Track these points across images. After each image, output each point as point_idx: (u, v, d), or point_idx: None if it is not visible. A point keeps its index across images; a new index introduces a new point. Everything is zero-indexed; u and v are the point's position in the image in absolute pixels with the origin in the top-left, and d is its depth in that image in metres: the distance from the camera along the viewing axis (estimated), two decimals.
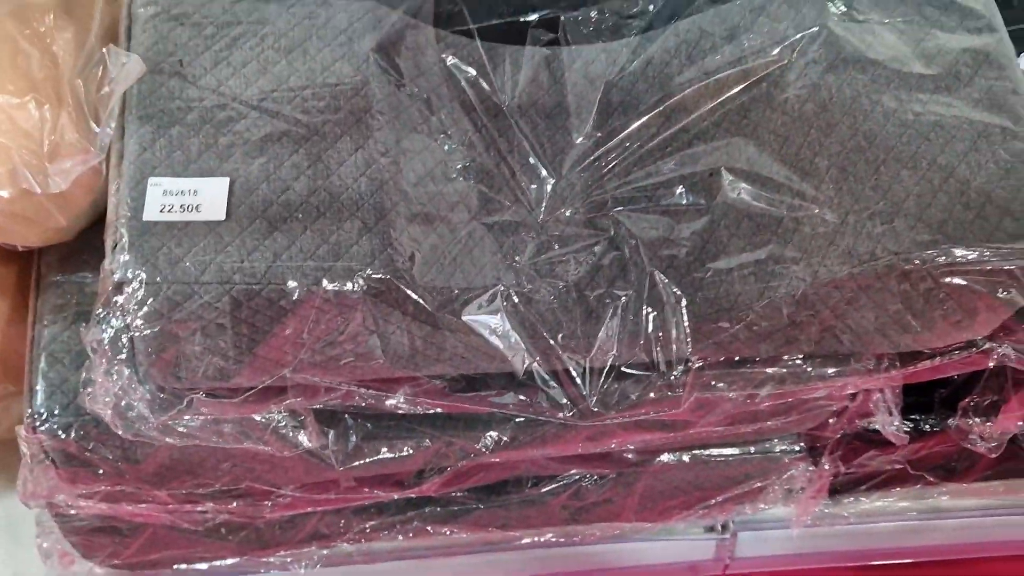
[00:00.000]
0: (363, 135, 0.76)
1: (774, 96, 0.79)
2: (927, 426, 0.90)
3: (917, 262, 0.72)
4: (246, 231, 0.72)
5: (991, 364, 0.80)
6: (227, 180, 0.73)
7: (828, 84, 0.78)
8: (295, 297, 0.70)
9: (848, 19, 0.81)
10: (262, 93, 0.76)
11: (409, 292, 0.72)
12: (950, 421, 0.87)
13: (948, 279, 0.73)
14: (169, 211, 0.72)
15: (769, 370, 0.79)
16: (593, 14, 0.85)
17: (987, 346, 0.77)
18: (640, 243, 0.77)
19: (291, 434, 0.78)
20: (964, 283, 0.73)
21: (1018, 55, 1.02)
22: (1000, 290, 0.73)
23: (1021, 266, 0.72)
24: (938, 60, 0.79)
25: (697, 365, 0.76)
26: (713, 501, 0.96)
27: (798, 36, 0.80)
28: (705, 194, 0.78)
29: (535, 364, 0.74)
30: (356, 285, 0.70)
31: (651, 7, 0.85)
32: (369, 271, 0.71)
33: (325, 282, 0.70)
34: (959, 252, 0.72)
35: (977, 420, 0.85)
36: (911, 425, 0.90)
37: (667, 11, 0.85)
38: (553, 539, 1.00)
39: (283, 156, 0.74)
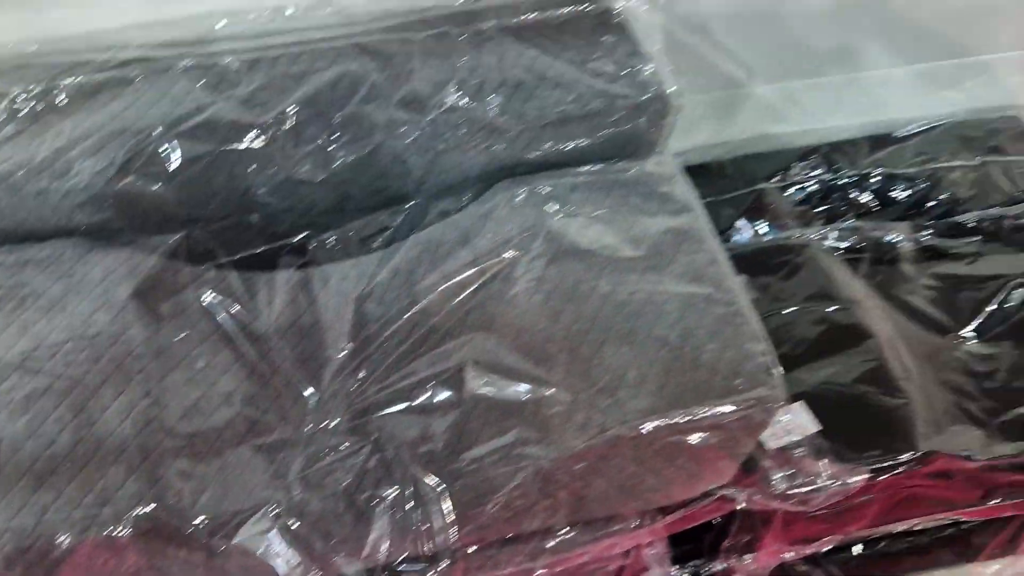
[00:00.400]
0: (125, 380, 0.80)
1: (506, 292, 0.87)
2: (703, 572, 0.97)
3: (642, 428, 0.80)
4: (13, 490, 0.74)
5: (738, 507, 0.88)
6: None
7: (551, 276, 0.87)
8: (65, 548, 0.73)
9: (563, 215, 0.91)
10: (23, 353, 0.80)
11: (181, 525, 0.75)
12: (716, 564, 0.94)
13: (673, 439, 0.81)
14: None
15: (538, 543, 0.85)
16: (339, 235, 0.93)
17: (723, 493, 0.85)
18: (401, 443, 0.83)
19: None
20: (688, 440, 0.81)
21: (737, 218, 1.15)
22: (720, 443, 0.82)
23: (732, 420, 0.81)
24: (644, 243, 0.90)
25: (468, 550, 0.82)
26: None
27: (522, 235, 0.89)
28: (456, 388, 0.84)
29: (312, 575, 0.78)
30: (125, 527, 0.74)
31: (392, 224, 0.94)
32: (137, 511, 0.74)
33: (93, 529, 0.73)
34: (678, 414, 0.80)
35: (739, 560, 0.92)
36: (690, 572, 0.97)
37: (406, 225, 0.94)
38: None
39: (47, 411, 0.78)
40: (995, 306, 1.06)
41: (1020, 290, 1.07)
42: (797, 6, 1.11)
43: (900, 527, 1.03)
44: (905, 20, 1.17)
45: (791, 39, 1.14)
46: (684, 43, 1.10)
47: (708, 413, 0.81)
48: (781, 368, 0.84)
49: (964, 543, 1.12)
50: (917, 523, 1.03)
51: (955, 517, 1.04)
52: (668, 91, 0.96)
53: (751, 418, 0.83)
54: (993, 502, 1.01)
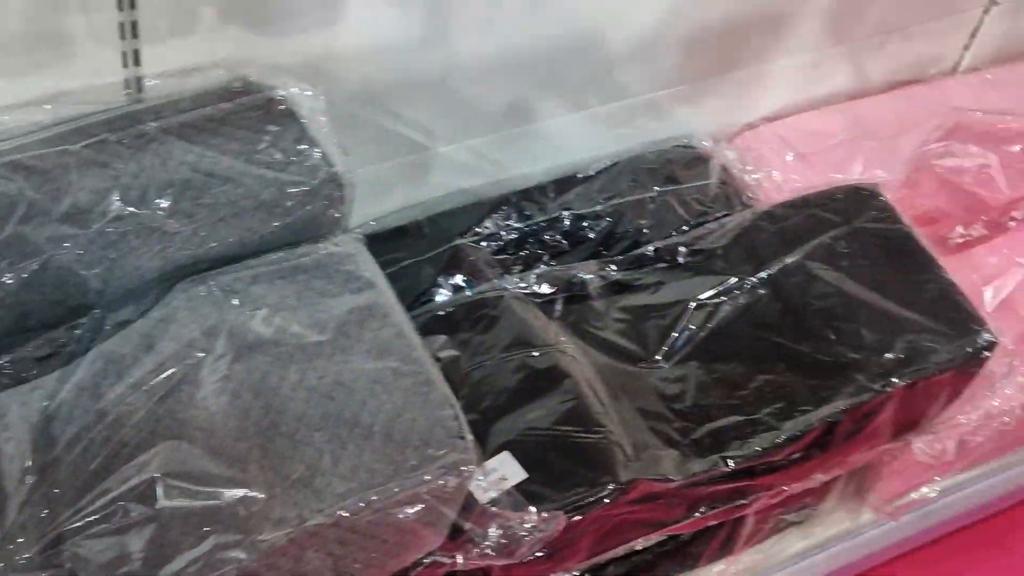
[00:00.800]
0: None
1: (194, 395, 0.87)
2: None
3: (341, 513, 0.82)
4: None
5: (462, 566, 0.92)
6: None
7: (237, 373, 0.87)
8: None
9: (246, 309, 0.91)
10: None
11: None
12: None
13: (373, 517, 0.83)
14: None
15: None
16: (13, 359, 0.90)
17: (435, 558, 0.88)
18: (97, 567, 0.80)
19: None
20: (391, 517, 0.83)
21: (438, 277, 1.18)
22: (422, 513, 0.84)
23: (430, 490, 0.84)
24: (330, 325, 0.91)
25: None
26: None
27: (205, 335, 0.89)
28: (150, 503, 0.83)
29: None
30: None
31: (70, 339, 0.91)
32: None
33: None
34: (373, 493, 0.82)
35: None
36: None
37: (87, 338, 0.92)
38: None
39: None
40: (679, 331, 1.14)
41: (698, 312, 1.15)
42: (461, 70, 1.15)
43: (621, 551, 1.09)
44: (569, 72, 1.24)
45: (464, 100, 1.19)
46: (359, 117, 1.12)
47: (404, 486, 0.83)
48: (471, 433, 0.87)
49: (683, 554, 1.20)
50: (634, 546, 1.09)
51: (669, 533, 1.11)
52: (339, 172, 0.98)
53: (447, 484, 0.86)
54: (697, 514, 1.08)
